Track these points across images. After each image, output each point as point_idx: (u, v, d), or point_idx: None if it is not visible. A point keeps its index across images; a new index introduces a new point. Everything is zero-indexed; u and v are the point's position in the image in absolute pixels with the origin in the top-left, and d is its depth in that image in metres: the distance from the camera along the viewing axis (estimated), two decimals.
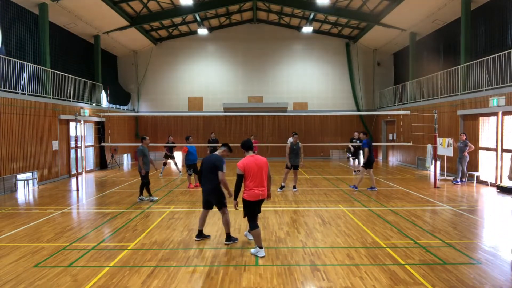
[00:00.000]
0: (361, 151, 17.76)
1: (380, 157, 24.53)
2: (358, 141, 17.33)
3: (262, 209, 9.53)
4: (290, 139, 17.61)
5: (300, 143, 12.26)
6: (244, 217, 6.30)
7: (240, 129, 25.02)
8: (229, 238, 6.85)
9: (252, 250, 6.29)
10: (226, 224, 6.85)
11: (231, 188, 6.60)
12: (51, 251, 6.47)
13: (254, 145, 18.15)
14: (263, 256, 6.11)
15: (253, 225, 6.20)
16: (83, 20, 18.51)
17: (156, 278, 5.31)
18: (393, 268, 5.59)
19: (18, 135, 13.24)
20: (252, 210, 6.22)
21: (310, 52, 25.46)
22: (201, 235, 7.10)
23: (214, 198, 6.81)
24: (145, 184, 10.73)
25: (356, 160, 18.01)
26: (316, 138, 24.67)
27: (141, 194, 10.86)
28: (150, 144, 12.34)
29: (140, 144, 10.76)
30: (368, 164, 12.27)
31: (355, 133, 18.19)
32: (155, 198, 11.00)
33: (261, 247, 6.18)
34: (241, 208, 6.38)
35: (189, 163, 12.82)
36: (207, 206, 7.00)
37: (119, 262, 5.95)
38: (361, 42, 24.75)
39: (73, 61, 19.63)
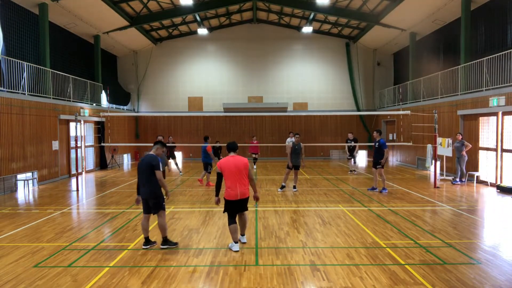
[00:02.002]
0: (357, 151, 17.68)
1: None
2: (352, 142, 17.13)
3: (262, 209, 9.60)
4: (289, 139, 17.64)
5: (301, 144, 12.25)
6: (224, 212, 6.60)
7: (240, 129, 25.03)
8: (165, 242, 6.58)
9: (229, 244, 6.58)
10: (162, 228, 6.57)
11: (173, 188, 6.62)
12: (51, 251, 6.47)
13: (255, 145, 18.24)
14: (237, 251, 6.35)
15: (230, 221, 6.52)
16: (83, 20, 18.51)
17: (156, 278, 5.31)
18: (393, 268, 5.59)
19: (18, 135, 13.23)
20: (230, 208, 6.48)
21: (310, 52, 25.46)
22: (148, 242, 6.69)
23: (151, 201, 6.50)
24: None
25: (352, 160, 17.71)
26: (316, 138, 24.67)
27: None
28: (150, 144, 12.35)
29: None
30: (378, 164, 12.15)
31: (349, 134, 17.75)
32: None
33: (236, 242, 6.46)
34: (222, 204, 6.70)
35: (210, 161, 13.46)
36: (147, 210, 6.62)
37: (119, 262, 5.95)
38: (361, 42, 24.75)
39: (73, 61, 19.63)
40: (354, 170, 17.48)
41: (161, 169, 6.46)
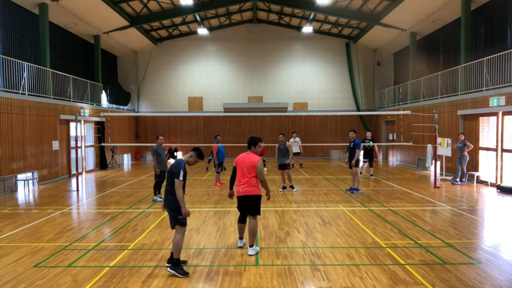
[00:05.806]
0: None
1: (380, 157, 24.53)
2: (371, 142, 15.07)
3: (262, 209, 9.53)
4: (292, 140, 17.66)
5: (287, 143, 12.18)
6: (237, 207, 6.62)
7: (240, 129, 25.01)
8: (174, 265, 5.41)
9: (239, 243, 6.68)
10: (174, 246, 5.45)
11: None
12: (51, 251, 6.47)
13: (262, 144, 18.05)
14: (241, 247, 6.52)
15: (239, 218, 6.58)
16: (83, 20, 18.51)
17: (156, 278, 5.31)
18: (393, 268, 5.59)
19: (18, 135, 13.23)
20: (238, 204, 6.48)
21: (310, 52, 25.45)
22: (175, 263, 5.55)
23: (169, 213, 5.58)
24: (158, 182, 10.75)
25: (367, 163, 15.48)
26: (316, 138, 24.66)
27: (155, 194, 10.88)
28: (150, 144, 12.38)
29: (155, 144, 10.81)
30: (358, 164, 12.02)
31: (368, 133, 15.84)
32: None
33: (240, 238, 6.63)
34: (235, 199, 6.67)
35: (220, 161, 13.58)
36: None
37: (119, 262, 5.95)
38: (361, 42, 24.75)
39: (73, 61, 19.62)
40: (372, 174, 15.58)
41: (180, 178, 5.40)
